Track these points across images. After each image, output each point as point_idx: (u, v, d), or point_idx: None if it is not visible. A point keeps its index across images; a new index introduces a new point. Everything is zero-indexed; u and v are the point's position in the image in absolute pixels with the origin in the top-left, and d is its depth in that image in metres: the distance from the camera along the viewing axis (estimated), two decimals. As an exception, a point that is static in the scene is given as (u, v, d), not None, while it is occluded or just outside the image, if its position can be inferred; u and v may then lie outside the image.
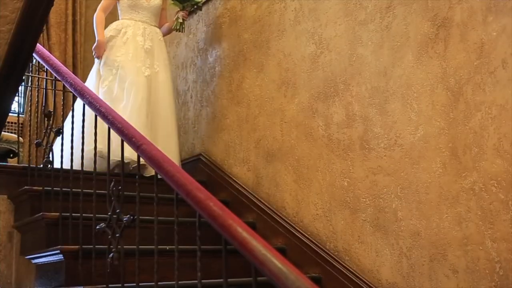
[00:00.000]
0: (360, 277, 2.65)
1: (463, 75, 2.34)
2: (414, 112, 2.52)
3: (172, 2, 3.83)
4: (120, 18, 3.90)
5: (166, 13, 4.02)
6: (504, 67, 2.19)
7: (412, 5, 2.58)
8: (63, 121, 3.12)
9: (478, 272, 2.20)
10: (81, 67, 5.15)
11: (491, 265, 2.16)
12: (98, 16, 3.79)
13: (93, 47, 3.75)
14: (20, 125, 4.47)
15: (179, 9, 3.83)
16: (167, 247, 2.37)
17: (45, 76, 4.02)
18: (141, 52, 3.67)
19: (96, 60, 3.81)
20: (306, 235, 2.96)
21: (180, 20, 3.81)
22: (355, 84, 2.82)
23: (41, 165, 2.94)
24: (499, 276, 2.13)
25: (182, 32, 3.90)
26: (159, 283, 1.90)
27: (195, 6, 3.92)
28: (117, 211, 2.10)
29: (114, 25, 3.83)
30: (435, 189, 2.40)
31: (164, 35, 3.94)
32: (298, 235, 2.99)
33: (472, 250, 2.23)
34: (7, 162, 3.93)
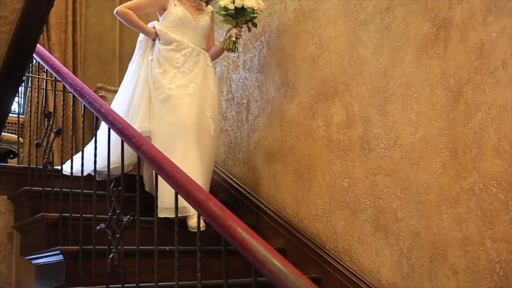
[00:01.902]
0: (360, 277, 2.65)
1: (463, 75, 2.34)
2: (414, 112, 2.52)
3: (223, 18, 3.25)
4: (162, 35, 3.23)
5: (214, 34, 3.50)
6: (504, 67, 2.19)
7: (412, 5, 2.58)
8: (63, 122, 3.13)
9: (478, 273, 2.20)
10: (81, 67, 5.14)
11: (491, 266, 2.16)
12: (128, 12, 3.19)
13: (140, 40, 3.28)
14: (20, 126, 4.47)
15: (231, 26, 3.26)
16: (167, 248, 2.37)
17: (45, 77, 4.02)
18: (198, 86, 3.11)
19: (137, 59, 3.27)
20: (306, 236, 2.96)
21: (234, 39, 3.24)
22: (355, 85, 2.82)
23: (41, 166, 2.94)
24: (499, 276, 2.13)
25: (235, 52, 3.34)
26: (159, 283, 1.90)
27: (249, 22, 3.27)
28: (117, 211, 2.10)
29: (168, 35, 3.18)
30: (435, 190, 2.40)
31: (212, 59, 3.36)
32: (298, 236, 2.99)
33: (472, 250, 2.23)
34: (7, 163, 3.93)
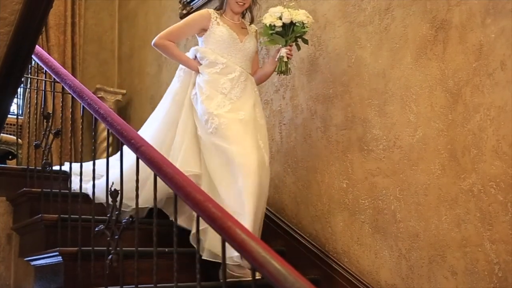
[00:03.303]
0: (359, 278, 2.64)
1: (462, 77, 2.34)
2: (413, 113, 2.52)
3: (271, 38, 2.82)
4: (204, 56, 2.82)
5: (258, 57, 3.14)
6: (502, 68, 2.19)
7: (411, 7, 2.58)
8: (61, 123, 3.12)
9: (477, 274, 2.20)
10: (80, 69, 5.14)
11: (490, 267, 2.16)
12: (168, 46, 2.83)
13: (180, 69, 2.93)
14: (19, 127, 4.46)
15: (280, 46, 2.83)
16: (166, 249, 2.37)
17: (44, 78, 4.02)
18: (248, 115, 2.71)
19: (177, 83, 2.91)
20: (305, 237, 2.96)
21: (285, 60, 2.80)
22: (354, 86, 2.83)
23: (40, 167, 2.94)
24: (498, 277, 2.13)
25: (288, 74, 2.90)
26: (158, 285, 1.90)
27: (299, 39, 2.85)
28: (116, 212, 2.09)
29: (211, 57, 2.78)
30: (434, 191, 2.40)
31: (257, 84, 2.95)
32: (297, 237, 2.99)
33: (471, 251, 2.23)
34: (5, 164, 3.93)
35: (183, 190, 1.67)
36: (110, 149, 2.43)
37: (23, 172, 3.12)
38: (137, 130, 2.17)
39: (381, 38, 2.72)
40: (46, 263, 2.54)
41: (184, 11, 4.26)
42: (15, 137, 3.88)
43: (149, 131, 2.85)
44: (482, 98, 2.26)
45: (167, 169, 1.78)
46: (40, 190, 2.81)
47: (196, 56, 2.83)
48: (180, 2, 4.32)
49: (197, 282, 1.63)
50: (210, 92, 2.70)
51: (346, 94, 2.86)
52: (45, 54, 3.02)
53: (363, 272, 2.65)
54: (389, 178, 2.60)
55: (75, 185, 2.73)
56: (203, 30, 2.84)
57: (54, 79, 2.92)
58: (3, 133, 4.11)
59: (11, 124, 4.49)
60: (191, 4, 4.21)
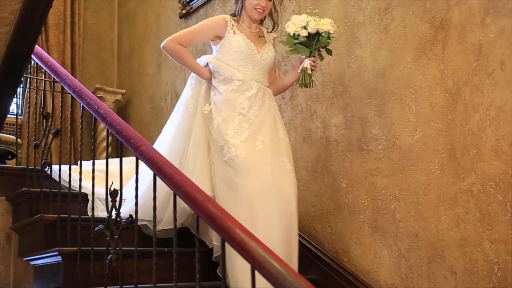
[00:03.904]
0: (359, 278, 2.64)
1: (461, 76, 2.34)
2: (412, 113, 2.52)
3: (293, 47, 2.60)
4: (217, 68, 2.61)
5: (276, 67, 2.98)
6: (502, 68, 2.19)
7: (411, 6, 2.58)
8: (61, 123, 3.12)
9: (477, 274, 2.20)
10: (79, 68, 5.14)
11: (489, 267, 2.16)
12: (178, 50, 2.63)
13: (191, 77, 2.74)
14: (19, 127, 4.46)
15: (303, 57, 2.63)
16: (166, 249, 2.37)
17: (43, 78, 4.01)
18: (268, 138, 2.52)
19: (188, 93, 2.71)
20: (305, 237, 2.96)
21: (309, 72, 2.61)
22: (354, 86, 2.83)
23: (39, 167, 2.94)
24: (497, 277, 2.13)
25: (312, 87, 2.69)
26: (157, 284, 1.90)
27: (323, 48, 2.64)
28: (116, 212, 2.09)
29: (227, 73, 2.57)
30: (433, 191, 2.40)
31: (274, 94, 2.75)
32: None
33: (471, 251, 2.23)
34: (5, 164, 3.93)
35: (182, 190, 1.67)
36: (109, 149, 2.42)
37: (23, 172, 3.12)
38: (137, 130, 2.16)
39: (380, 38, 2.72)
40: (46, 262, 2.54)
41: (184, 11, 4.26)
42: (14, 137, 3.88)
43: (163, 145, 2.67)
44: (481, 98, 2.26)
45: (167, 169, 1.78)
46: (39, 189, 2.81)
47: (207, 64, 2.64)
48: (179, 1, 4.32)
49: (196, 282, 1.63)
50: (227, 114, 2.50)
51: (346, 94, 2.86)
52: (44, 53, 3.02)
53: (363, 272, 2.66)
54: (388, 178, 2.60)
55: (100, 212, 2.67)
56: (218, 38, 2.63)
57: (53, 78, 2.93)
58: (3, 132, 4.10)
59: (10, 124, 4.49)
60: (191, 4, 4.20)
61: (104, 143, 4.55)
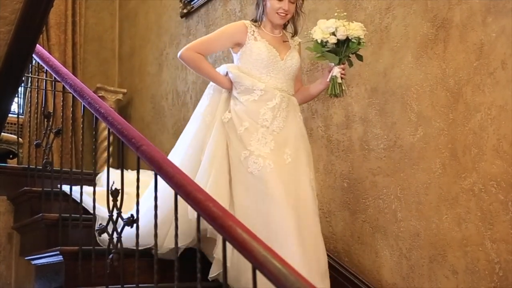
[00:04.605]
0: (360, 278, 2.64)
1: (463, 76, 2.34)
2: (414, 113, 2.52)
3: (321, 54, 2.41)
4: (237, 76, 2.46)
5: (301, 74, 2.81)
6: (503, 68, 2.19)
7: (412, 6, 2.58)
8: (62, 122, 3.12)
9: (478, 273, 2.20)
10: (80, 68, 5.14)
11: (490, 266, 2.16)
12: (196, 58, 2.47)
13: (210, 86, 2.58)
14: (20, 126, 4.46)
15: (333, 64, 2.43)
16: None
17: (44, 77, 4.02)
18: (294, 152, 2.39)
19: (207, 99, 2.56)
20: (306, 236, 2.96)
21: (339, 81, 2.42)
22: (355, 85, 2.82)
23: (41, 166, 2.95)
24: (498, 277, 2.13)
25: (342, 96, 2.51)
26: (158, 284, 1.90)
27: (351, 54, 2.46)
28: (117, 211, 2.10)
29: (247, 83, 2.42)
30: (434, 190, 2.40)
31: (300, 103, 2.58)
32: (298, 236, 2.99)
33: (472, 251, 2.23)
34: (6, 163, 3.93)
35: (183, 189, 1.67)
36: (111, 149, 2.43)
37: (24, 171, 3.12)
38: (138, 129, 2.16)
39: (381, 37, 2.71)
40: (47, 262, 2.54)
41: (185, 10, 4.26)
42: (15, 136, 3.88)
43: (178, 156, 2.52)
44: (483, 97, 2.25)
45: (168, 168, 1.78)
46: (40, 189, 2.81)
47: (227, 73, 2.49)
48: (180, 1, 4.32)
49: (198, 281, 1.63)
50: (250, 125, 2.35)
51: (347, 93, 2.86)
52: (45, 53, 3.02)
53: (364, 271, 2.65)
54: (389, 177, 2.60)
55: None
56: (238, 45, 2.48)
57: (54, 78, 2.93)
58: (4, 132, 4.10)
59: (12, 123, 4.50)
60: (192, 3, 4.20)
61: (105, 143, 4.54)
